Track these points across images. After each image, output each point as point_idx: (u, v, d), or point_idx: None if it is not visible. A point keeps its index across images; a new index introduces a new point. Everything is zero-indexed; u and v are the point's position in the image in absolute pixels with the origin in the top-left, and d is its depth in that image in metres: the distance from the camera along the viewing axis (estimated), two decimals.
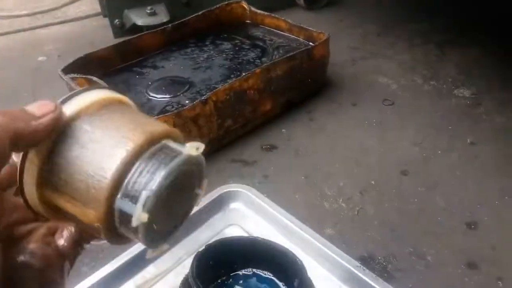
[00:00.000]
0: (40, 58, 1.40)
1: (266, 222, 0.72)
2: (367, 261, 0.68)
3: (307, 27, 1.11)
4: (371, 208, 0.77)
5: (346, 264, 0.61)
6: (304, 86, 1.03)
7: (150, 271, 0.67)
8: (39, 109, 0.24)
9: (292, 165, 0.89)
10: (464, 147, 0.90)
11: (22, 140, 0.23)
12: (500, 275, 0.64)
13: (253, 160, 0.91)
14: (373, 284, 0.59)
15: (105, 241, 0.26)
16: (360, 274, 0.60)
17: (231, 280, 0.53)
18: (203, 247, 0.50)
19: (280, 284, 0.52)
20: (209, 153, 0.92)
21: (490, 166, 0.85)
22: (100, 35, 1.50)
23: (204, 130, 0.86)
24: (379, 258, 0.68)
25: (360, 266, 0.61)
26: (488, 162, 0.86)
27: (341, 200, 0.80)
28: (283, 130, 1.00)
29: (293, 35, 1.16)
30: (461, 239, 0.70)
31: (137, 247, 0.67)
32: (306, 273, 0.47)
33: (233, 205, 0.76)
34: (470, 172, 0.84)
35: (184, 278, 0.47)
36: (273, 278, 0.53)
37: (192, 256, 0.48)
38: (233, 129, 0.92)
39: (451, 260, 0.67)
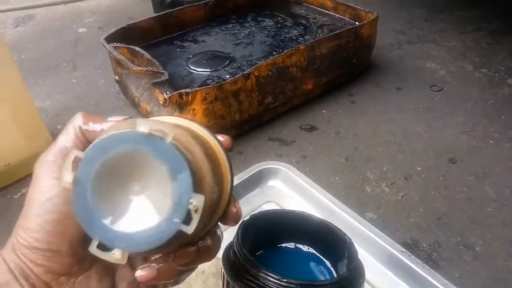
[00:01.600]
0: (80, 30, 1.41)
1: (305, 201, 0.70)
2: (410, 248, 0.65)
3: (354, 6, 1.07)
4: (416, 195, 0.74)
5: (390, 249, 0.59)
6: (348, 67, 1.00)
7: None
8: None
9: (332, 146, 0.87)
10: None
11: None
12: None
13: (291, 139, 0.89)
14: (419, 270, 0.56)
15: None
16: (405, 260, 0.57)
17: (272, 252, 0.51)
18: (248, 217, 0.48)
19: (324, 260, 0.50)
20: (247, 131, 0.91)
21: None
22: (140, 10, 1.50)
23: (244, 105, 0.84)
24: (424, 245, 0.65)
25: (405, 252, 0.58)
26: None
27: (384, 184, 0.77)
28: (323, 111, 0.97)
29: (338, 14, 1.11)
30: None
31: None
32: (356, 253, 0.45)
33: (271, 182, 0.74)
34: None
35: (228, 245, 0.46)
36: (315, 253, 0.51)
37: (232, 228, 0.47)
38: (273, 106, 0.90)
39: (501, 253, 0.63)
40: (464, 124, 0.89)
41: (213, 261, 0.49)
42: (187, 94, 0.76)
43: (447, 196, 0.73)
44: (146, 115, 0.89)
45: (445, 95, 0.99)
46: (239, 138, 0.89)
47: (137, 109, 0.95)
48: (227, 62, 0.97)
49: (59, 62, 1.22)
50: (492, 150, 0.83)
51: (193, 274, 0.41)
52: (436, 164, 0.80)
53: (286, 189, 0.73)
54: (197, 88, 0.77)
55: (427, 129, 0.89)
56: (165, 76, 0.80)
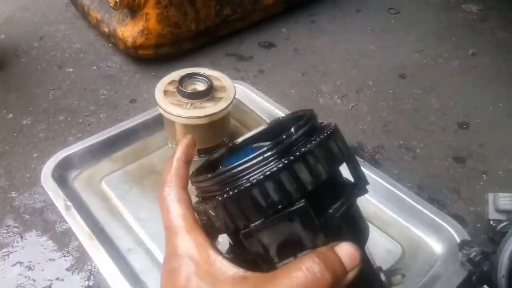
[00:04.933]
0: None
1: (260, 113, 0.71)
2: (356, 150, 0.68)
3: None
4: (365, 106, 0.77)
5: None
6: None
7: (140, 145, 0.66)
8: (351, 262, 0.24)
9: (289, 62, 0.87)
10: (464, 57, 0.89)
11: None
12: (485, 169, 0.65)
13: (249, 55, 0.89)
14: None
15: None
16: None
17: None
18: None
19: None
20: (203, 45, 0.89)
21: (488, 76, 0.84)
22: None
23: (201, 14, 0.82)
24: (368, 148, 0.69)
25: None
26: (486, 72, 0.85)
27: (336, 96, 0.79)
28: (283, 29, 0.96)
29: None
30: (451, 136, 0.71)
31: (129, 122, 0.65)
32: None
33: None
34: (468, 80, 0.83)
35: None
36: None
37: None
38: (231, 19, 0.88)
39: (438, 154, 0.68)
40: (417, 44, 0.92)
41: None
42: None
43: (395, 107, 0.77)
44: (96, 24, 0.85)
45: (402, 18, 1.00)
46: (195, 52, 0.87)
47: (86, 20, 0.90)
48: None
49: None
50: (441, 67, 0.86)
51: None
52: (387, 79, 0.83)
53: (242, 105, 0.73)
54: None
55: (381, 48, 0.91)
56: None
